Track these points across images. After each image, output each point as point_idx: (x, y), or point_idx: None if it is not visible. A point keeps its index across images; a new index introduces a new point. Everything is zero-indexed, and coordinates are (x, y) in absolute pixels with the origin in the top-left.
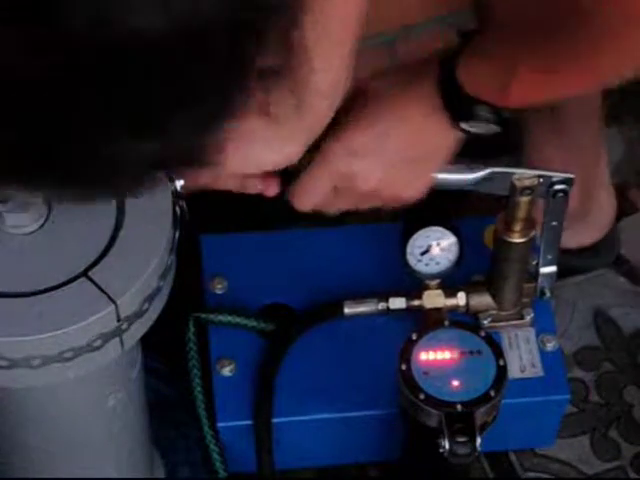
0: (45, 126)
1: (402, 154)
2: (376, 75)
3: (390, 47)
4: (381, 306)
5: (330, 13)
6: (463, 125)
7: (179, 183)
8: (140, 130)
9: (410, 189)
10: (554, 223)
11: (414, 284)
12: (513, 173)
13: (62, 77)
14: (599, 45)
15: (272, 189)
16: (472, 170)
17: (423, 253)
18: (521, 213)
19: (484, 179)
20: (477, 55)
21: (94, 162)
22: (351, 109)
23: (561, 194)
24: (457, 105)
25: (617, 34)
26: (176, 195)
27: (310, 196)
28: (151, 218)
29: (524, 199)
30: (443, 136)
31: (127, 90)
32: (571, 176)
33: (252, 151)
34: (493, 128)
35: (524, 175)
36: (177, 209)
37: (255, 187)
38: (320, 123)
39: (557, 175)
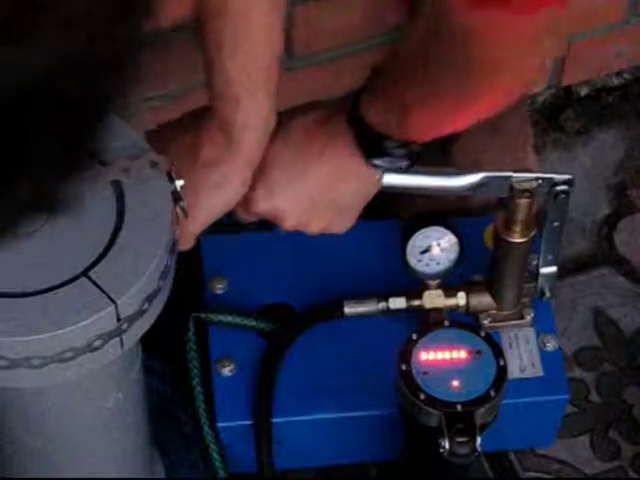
0: None
1: (323, 193)
2: (297, 111)
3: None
4: (381, 306)
5: (250, 49)
6: (375, 162)
7: (179, 183)
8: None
9: (334, 227)
10: (555, 224)
11: (414, 284)
12: (508, 177)
13: None
14: (476, 86)
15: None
16: (465, 176)
17: (423, 253)
18: (520, 215)
19: (479, 184)
20: (375, 91)
21: None
22: (272, 146)
23: (563, 195)
24: (366, 142)
25: (490, 76)
26: (176, 195)
27: (247, 220)
28: (151, 218)
29: (523, 201)
30: (362, 176)
31: None
32: (571, 177)
33: (207, 201)
34: (402, 163)
35: (523, 178)
36: (177, 209)
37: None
38: (256, 156)
39: (556, 177)
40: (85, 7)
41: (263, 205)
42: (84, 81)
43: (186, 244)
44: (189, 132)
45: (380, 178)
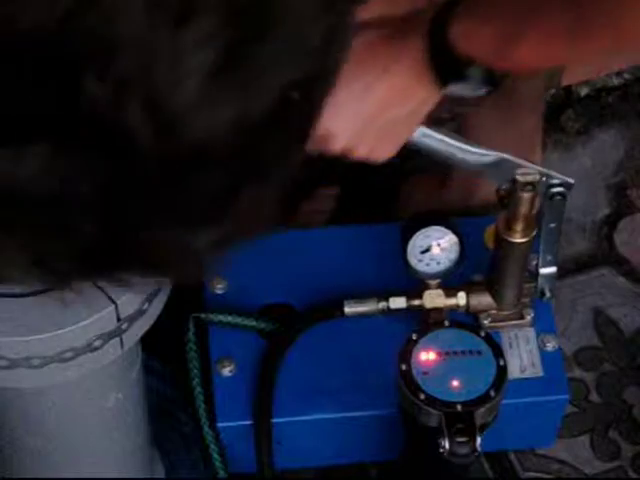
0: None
1: (377, 116)
2: (363, 25)
3: None
4: (381, 306)
5: None
6: (453, 87)
7: None
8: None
9: (379, 152)
10: (552, 225)
11: (414, 284)
12: (520, 165)
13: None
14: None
15: None
16: (482, 152)
17: (424, 252)
18: (522, 209)
19: (492, 164)
20: (476, 16)
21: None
22: None
23: (558, 197)
24: (447, 65)
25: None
26: None
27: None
28: None
29: (526, 195)
30: (424, 97)
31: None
32: (571, 181)
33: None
34: (482, 89)
35: (528, 171)
36: None
37: None
38: None
39: (559, 176)
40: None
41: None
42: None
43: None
44: None
45: (435, 100)
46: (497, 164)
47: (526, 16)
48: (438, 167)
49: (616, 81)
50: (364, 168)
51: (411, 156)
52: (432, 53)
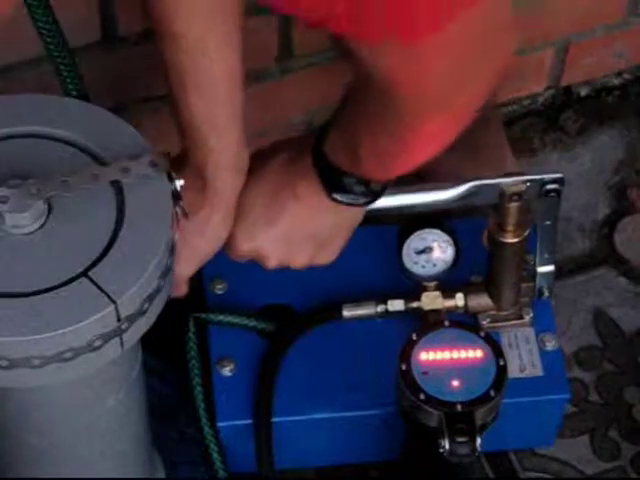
0: None
1: (300, 231)
2: (263, 154)
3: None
4: (380, 309)
5: (213, 87)
6: (336, 196)
7: (179, 183)
8: None
9: (319, 259)
10: (548, 222)
11: (412, 286)
12: (497, 184)
13: None
14: (415, 128)
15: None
16: (453, 187)
17: (419, 255)
18: (512, 218)
19: (468, 194)
20: (336, 129)
21: None
22: (247, 191)
23: (553, 194)
24: (328, 177)
25: (423, 117)
26: (176, 195)
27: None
28: (151, 218)
29: (513, 205)
30: (338, 209)
31: None
32: (560, 175)
33: (192, 248)
34: (362, 199)
35: (511, 182)
36: (177, 209)
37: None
38: (233, 197)
39: (546, 177)
40: None
41: (245, 247)
42: None
43: (179, 290)
44: None
45: (358, 209)
46: (474, 192)
47: (361, 130)
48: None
49: (616, 81)
50: None
51: None
52: (317, 168)
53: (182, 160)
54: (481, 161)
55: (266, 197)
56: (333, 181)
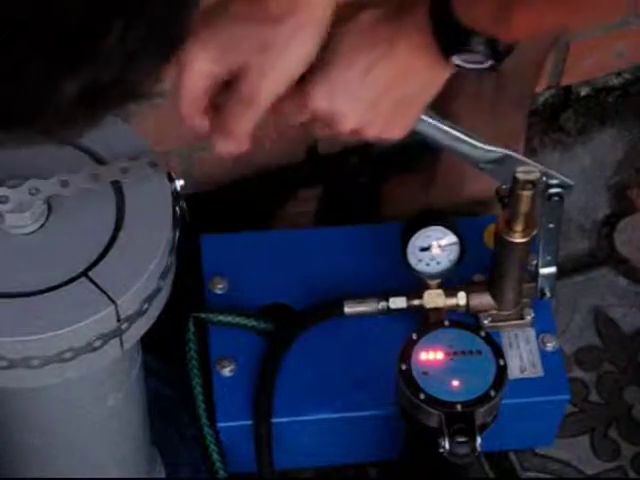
0: None
1: (386, 93)
2: (358, 5)
3: None
4: (381, 306)
5: None
6: (455, 59)
7: (179, 183)
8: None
9: (391, 130)
10: (551, 225)
11: (414, 284)
12: (525, 163)
13: None
14: None
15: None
16: (487, 148)
17: (423, 252)
18: (523, 207)
19: (496, 160)
20: None
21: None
22: (336, 38)
23: (556, 198)
24: (451, 36)
25: None
26: (176, 195)
27: (297, 120)
28: (151, 218)
29: (526, 193)
30: (432, 73)
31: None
32: (570, 182)
33: (282, 59)
34: (488, 63)
35: (529, 169)
36: (177, 209)
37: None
38: (327, 5)
39: (559, 176)
40: None
41: (322, 104)
42: None
43: (245, 125)
44: None
45: (445, 77)
46: (501, 161)
47: None
48: (422, 167)
49: (616, 81)
50: (346, 169)
51: (393, 156)
52: (436, 25)
53: None
54: (497, 136)
55: (358, 50)
56: (457, 41)
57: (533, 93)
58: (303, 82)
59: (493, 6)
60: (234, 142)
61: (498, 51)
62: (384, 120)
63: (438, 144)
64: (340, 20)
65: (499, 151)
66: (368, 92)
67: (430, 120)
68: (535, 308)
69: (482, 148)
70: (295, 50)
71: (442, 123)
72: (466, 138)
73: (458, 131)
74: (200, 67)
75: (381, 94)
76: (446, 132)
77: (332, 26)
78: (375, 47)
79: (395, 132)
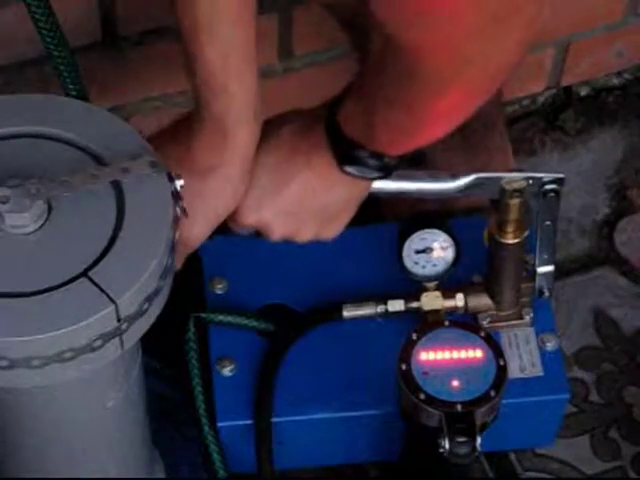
0: None
1: (307, 204)
2: (276, 122)
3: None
4: (380, 309)
5: (227, 31)
6: (349, 169)
7: (179, 183)
8: None
9: (325, 233)
10: (547, 223)
11: (412, 286)
12: (500, 177)
13: None
14: (433, 101)
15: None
16: (458, 178)
17: (419, 255)
18: (512, 215)
19: (471, 186)
20: (351, 100)
21: None
22: (256, 158)
23: (552, 194)
24: (341, 150)
25: (443, 88)
26: (176, 195)
27: (238, 232)
28: (151, 218)
29: (514, 201)
30: (348, 183)
31: None
32: (561, 176)
33: (207, 208)
34: (374, 174)
35: (513, 178)
36: (177, 209)
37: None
38: (252, 150)
39: (547, 175)
40: None
41: (251, 217)
42: None
43: (181, 259)
44: (178, 142)
45: (368, 184)
46: (476, 184)
47: (377, 100)
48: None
49: (616, 81)
50: None
51: None
52: (330, 139)
53: (195, 120)
54: (481, 163)
55: (275, 166)
56: (346, 153)
57: (500, 104)
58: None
59: (363, 125)
60: None
61: (385, 163)
62: (312, 227)
63: (405, 194)
64: (264, 136)
65: (468, 177)
66: (289, 204)
67: (386, 185)
68: (535, 308)
69: (450, 180)
70: (222, 200)
71: (402, 179)
72: (431, 178)
73: (421, 178)
74: None
75: (304, 203)
76: (411, 184)
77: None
78: (293, 161)
79: (326, 235)
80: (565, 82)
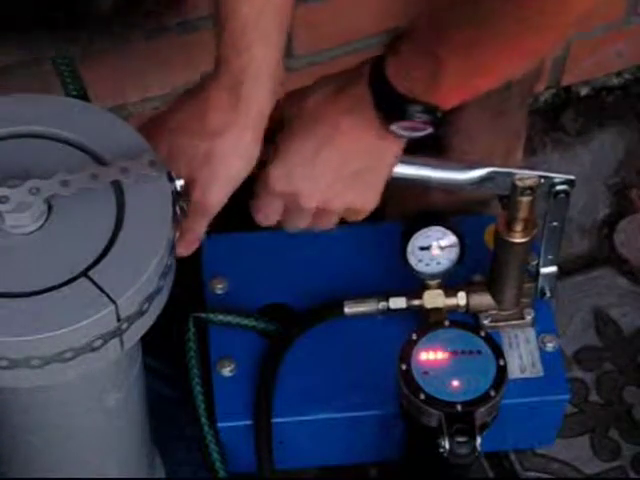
0: None
1: (338, 171)
2: (307, 88)
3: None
4: (381, 306)
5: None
6: (395, 127)
7: (179, 183)
8: None
9: (359, 202)
10: (555, 224)
11: (414, 284)
12: (514, 173)
13: None
14: (524, 21)
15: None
16: (472, 169)
17: (424, 253)
18: (522, 213)
19: (484, 179)
20: (404, 51)
21: None
22: (288, 124)
23: (562, 195)
24: (389, 106)
25: (542, 8)
26: (176, 195)
27: (265, 216)
28: (151, 218)
29: (525, 199)
30: (380, 145)
31: None
32: (572, 177)
33: (223, 172)
34: (427, 130)
35: (526, 175)
36: (177, 209)
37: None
38: (266, 114)
39: (558, 176)
40: None
41: (282, 186)
42: None
43: (203, 225)
44: (193, 104)
45: (400, 150)
46: (489, 178)
47: (442, 41)
48: None
49: (616, 81)
50: None
51: None
52: (375, 97)
53: (214, 77)
54: (499, 136)
55: (307, 133)
56: (394, 109)
57: (532, 91)
58: (264, 171)
59: (424, 73)
60: (185, 243)
61: (436, 117)
62: (348, 195)
63: (421, 182)
64: (295, 102)
65: (483, 169)
66: (321, 172)
67: (404, 169)
68: (535, 308)
69: (465, 171)
70: (235, 160)
71: (417, 164)
72: (446, 167)
73: (435, 166)
74: None
75: (334, 173)
76: (425, 171)
77: (282, 113)
78: (321, 129)
79: (365, 205)
80: (565, 82)
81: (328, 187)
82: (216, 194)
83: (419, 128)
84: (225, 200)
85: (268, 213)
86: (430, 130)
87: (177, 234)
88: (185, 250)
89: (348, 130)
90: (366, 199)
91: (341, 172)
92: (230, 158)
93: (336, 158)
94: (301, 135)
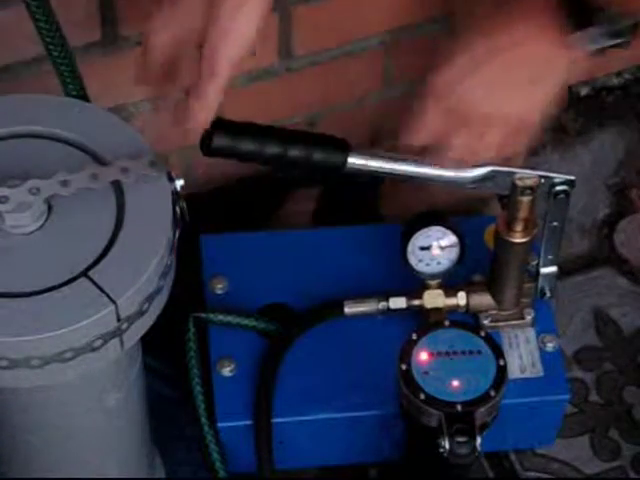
0: None
1: (505, 74)
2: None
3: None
4: (381, 306)
5: None
6: (577, 37)
7: (179, 183)
8: None
9: (521, 110)
10: (555, 224)
11: (414, 284)
12: (514, 172)
13: None
14: None
15: None
16: (472, 168)
17: (424, 252)
18: (522, 213)
19: (485, 178)
20: None
21: None
22: (456, 33)
23: (562, 195)
24: (577, 14)
25: None
26: (176, 195)
27: (423, 130)
28: (151, 218)
29: (525, 199)
30: (552, 55)
31: None
32: (572, 178)
33: (231, 28)
34: (613, 39)
35: (526, 175)
36: (177, 209)
37: None
38: None
39: (558, 176)
40: None
41: (445, 92)
42: None
43: (211, 95)
44: None
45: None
46: (489, 177)
47: None
48: None
49: (616, 81)
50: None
51: None
52: (565, 3)
53: None
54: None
55: (475, 40)
56: (581, 18)
57: None
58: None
59: None
60: (205, 107)
61: (625, 28)
62: (509, 102)
63: (421, 180)
64: (458, 14)
65: (483, 169)
66: (487, 75)
67: (403, 167)
68: (535, 308)
69: (466, 167)
70: (243, 17)
71: (417, 162)
72: (446, 169)
73: (435, 166)
74: (161, 37)
75: (501, 77)
76: (425, 169)
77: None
78: (492, 35)
79: (523, 113)
80: None
81: (492, 92)
82: (226, 52)
83: (601, 39)
84: (236, 58)
85: (427, 127)
86: (609, 44)
87: (177, 233)
88: (200, 122)
89: (521, 38)
90: (528, 110)
91: (507, 79)
92: (236, 15)
93: (502, 63)
94: (471, 41)
